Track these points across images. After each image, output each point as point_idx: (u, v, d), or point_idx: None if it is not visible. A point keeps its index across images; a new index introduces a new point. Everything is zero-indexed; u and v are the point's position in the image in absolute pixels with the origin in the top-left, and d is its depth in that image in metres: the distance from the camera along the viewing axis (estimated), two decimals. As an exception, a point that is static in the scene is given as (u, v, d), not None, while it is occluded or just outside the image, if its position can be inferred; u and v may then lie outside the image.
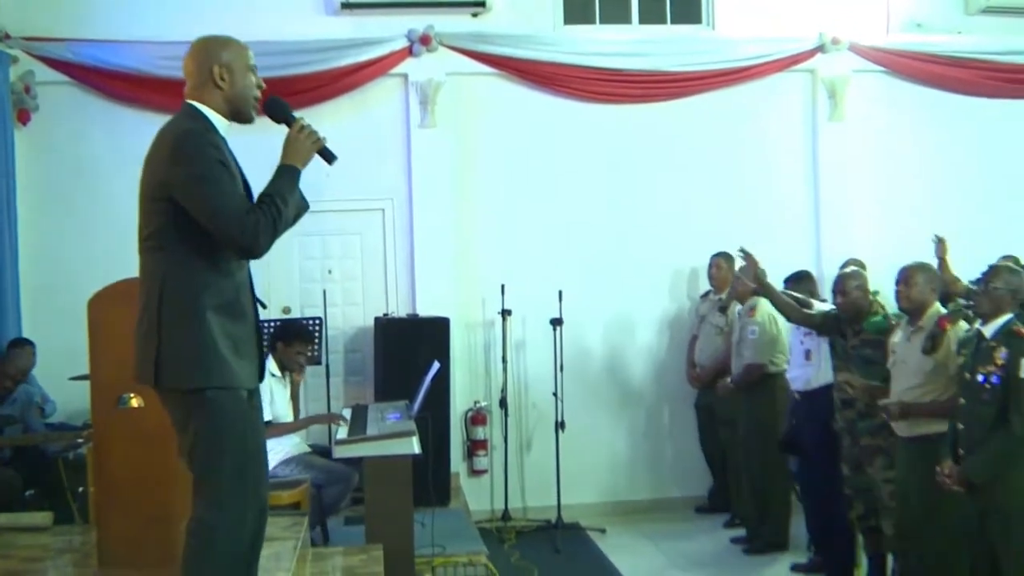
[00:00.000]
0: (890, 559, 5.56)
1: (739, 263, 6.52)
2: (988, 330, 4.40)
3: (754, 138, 8.04)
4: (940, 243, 6.64)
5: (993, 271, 4.52)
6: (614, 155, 7.85)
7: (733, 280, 6.90)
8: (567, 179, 7.77)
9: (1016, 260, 5.49)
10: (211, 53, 3.05)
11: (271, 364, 5.99)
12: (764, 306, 6.42)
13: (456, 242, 7.55)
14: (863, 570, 5.81)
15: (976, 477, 4.29)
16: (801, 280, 6.84)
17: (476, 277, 7.55)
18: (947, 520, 4.68)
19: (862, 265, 6.46)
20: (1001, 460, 4.26)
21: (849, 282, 5.49)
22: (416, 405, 5.62)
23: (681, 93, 7.91)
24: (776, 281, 6.28)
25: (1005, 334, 4.33)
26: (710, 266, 7.54)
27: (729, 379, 6.78)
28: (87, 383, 4.19)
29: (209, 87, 3.04)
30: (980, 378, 4.33)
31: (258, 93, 3.13)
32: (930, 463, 4.65)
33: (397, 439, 5.07)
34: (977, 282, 4.63)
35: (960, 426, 4.44)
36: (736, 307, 7.03)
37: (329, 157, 3.17)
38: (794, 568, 6.29)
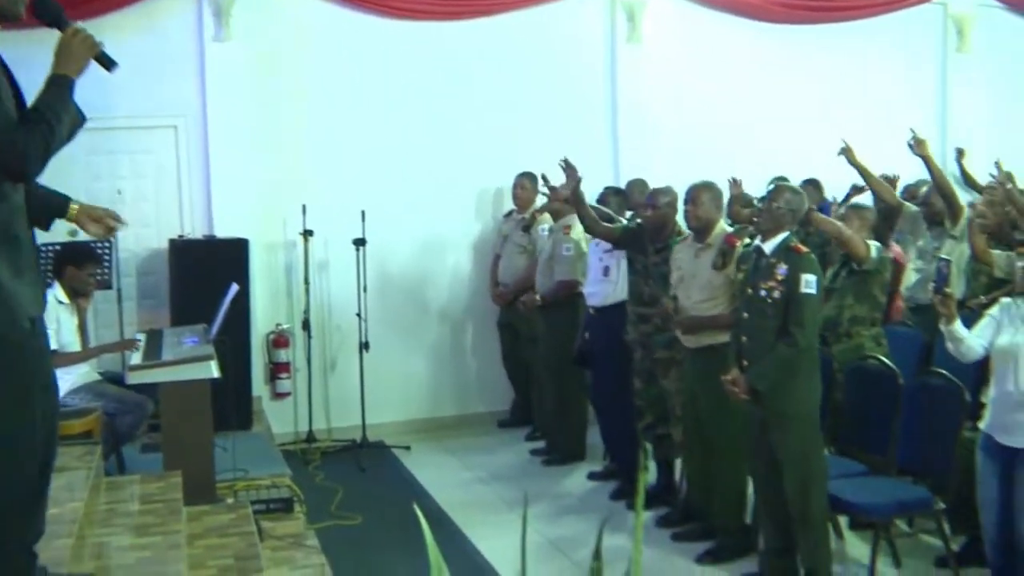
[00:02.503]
0: (678, 465, 5.89)
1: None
2: (768, 247, 4.62)
3: (556, 58, 8.12)
4: (735, 184, 7.00)
5: (776, 190, 4.73)
6: (417, 73, 7.76)
7: (551, 194, 6.84)
8: (370, 97, 7.64)
9: (784, 179, 5.84)
10: None
11: (58, 291, 5.73)
12: (579, 225, 6.53)
13: (255, 161, 7.29)
14: (651, 475, 6.14)
15: (760, 385, 4.54)
16: (618, 193, 7.07)
17: (276, 197, 7.34)
18: (733, 425, 4.97)
19: (645, 185, 6.73)
20: (782, 369, 4.50)
21: (660, 197, 5.65)
22: (214, 328, 5.50)
23: (483, 11, 7.90)
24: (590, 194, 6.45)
25: (784, 251, 4.57)
26: (514, 186, 7.62)
27: (538, 296, 6.90)
28: None
29: None
30: (762, 293, 4.57)
31: None
32: (716, 371, 4.92)
33: (194, 363, 4.96)
34: (761, 200, 4.85)
35: (744, 339, 4.69)
36: (542, 225, 7.16)
37: (108, 63, 2.93)
38: (590, 476, 6.57)
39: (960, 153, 8.73)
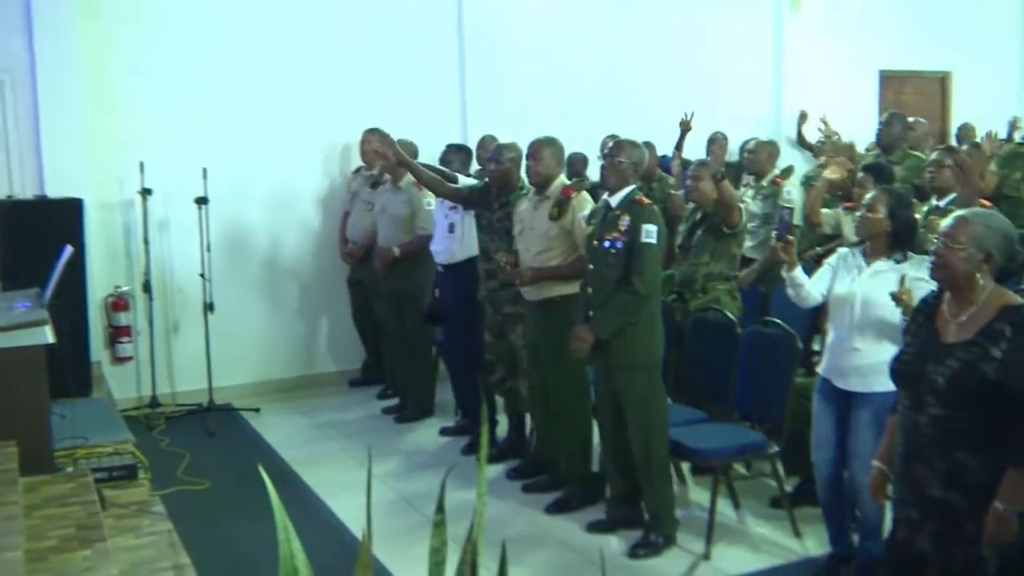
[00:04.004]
0: (528, 418, 5.99)
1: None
2: (614, 201, 4.74)
3: (404, 13, 8.03)
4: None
5: (616, 146, 4.82)
6: (260, 24, 7.54)
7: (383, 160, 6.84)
8: (209, 49, 7.38)
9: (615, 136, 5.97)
10: None
11: None
12: None
13: (88, 117, 6.96)
14: (503, 429, 6.23)
15: (601, 333, 4.65)
16: (462, 150, 7.05)
17: (111, 154, 7.03)
18: (575, 375, 5.09)
19: (495, 141, 6.76)
20: (621, 314, 4.61)
21: (504, 153, 5.67)
22: (47, 292, 5.28)
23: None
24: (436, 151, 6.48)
25: (628, 203, 4.69)
26: (362, 142, 7.52)
27: (396, 250, 6.84)
28: None
29: None
30: (606, 244, 4.68)
31: None
32: (557, 323, 5.01)
33: (27, 329, 4.75)
34: (603, 157, 4.93)
35: (590, 290, 4.80)
36: (386, 180, 7.09)
37: None
38: (442, 432, 6.62)
39: (803, 117, 9.08)
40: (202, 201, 7.02)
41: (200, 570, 3.61)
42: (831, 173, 6.21)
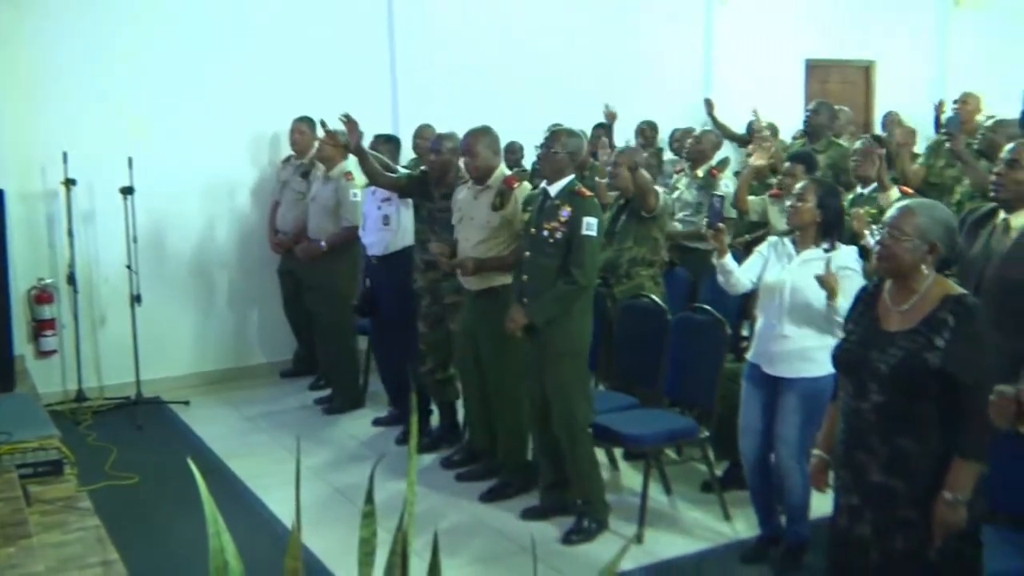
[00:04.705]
0: (460, 406, 5.99)
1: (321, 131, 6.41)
2: (553, 190, 4.74)
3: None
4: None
5: (552, 136, 4.81)
6: (186, 12, 7.39)
7: (321, 144, 6.78)
8: (134, 36, 7.20)
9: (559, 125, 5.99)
10: None
11: None
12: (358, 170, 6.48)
13: (8, 106, 6.76)
14: (435, 418, 6.24)
15: (537, 319, 4.68)
16: (391, 140, 7.03)
17: (33, 143, 6.84)
18: (511, 365, 5.10)
19: (432, 131, 6.75)
20: (559, 303, 4.65)
21: (445, 143, 5.66)
22: (-33, 286, 5.15)
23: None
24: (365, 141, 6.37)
25: (568, 193, 4.70)
26: (292, 131, 7.44)
27: (323, 243, 6.81)
28: None
29: None
30: (545, 233, 4.69)
31: None
32: (497, 313, 5.02)
33: (-54, 323, 4.65)
34: (540, 147, 4.94)
35: (525, 277, 4.81)
36: (319, 170, 7.03)
37: None
38: (375, 422, 6.60)
39: (709, 105, 9.20)
40: (128, 191, 6.88)
41: (129, 566, 3.55)
42: (755, 159, 6.30)
